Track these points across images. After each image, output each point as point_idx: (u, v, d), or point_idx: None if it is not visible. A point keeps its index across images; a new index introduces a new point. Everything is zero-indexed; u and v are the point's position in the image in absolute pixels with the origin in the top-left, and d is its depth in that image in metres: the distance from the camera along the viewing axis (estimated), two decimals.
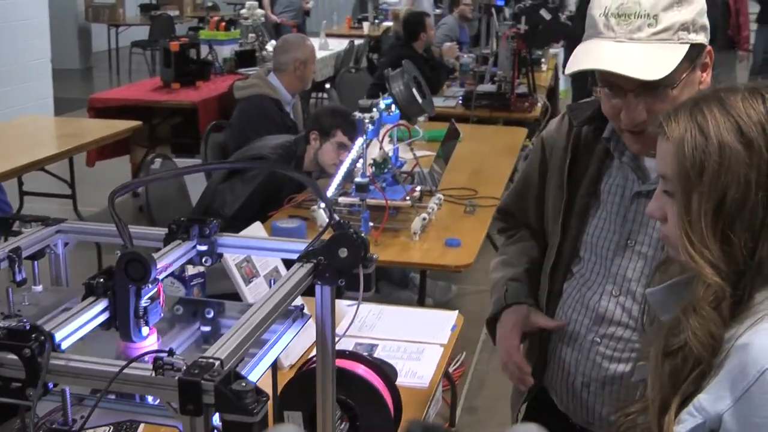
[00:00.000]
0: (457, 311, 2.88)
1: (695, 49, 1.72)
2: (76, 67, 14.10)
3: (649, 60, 1.67)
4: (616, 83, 1.74)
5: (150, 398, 1.30)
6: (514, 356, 2.04)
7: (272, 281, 1.62)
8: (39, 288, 1.55)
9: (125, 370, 1.11)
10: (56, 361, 1.14)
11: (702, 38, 1.73)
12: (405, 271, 4.92)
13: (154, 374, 1.09)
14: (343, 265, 1.43)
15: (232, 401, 1.06)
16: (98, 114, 6.46)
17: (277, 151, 4.27)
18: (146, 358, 1.17)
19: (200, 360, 1.10)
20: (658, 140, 1.40)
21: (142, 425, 2.05)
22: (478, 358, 4.70)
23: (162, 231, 1.55)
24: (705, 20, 1.74)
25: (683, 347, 1.32)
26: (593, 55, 1.73)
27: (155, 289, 1.36)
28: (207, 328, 1.60)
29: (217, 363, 1.10)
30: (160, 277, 1.38)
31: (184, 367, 1.09)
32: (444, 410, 3.96)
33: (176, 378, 1.08)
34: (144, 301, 1.32)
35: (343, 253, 1.42)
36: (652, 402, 1.35)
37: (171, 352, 1.10)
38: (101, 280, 1.31)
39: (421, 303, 3.91)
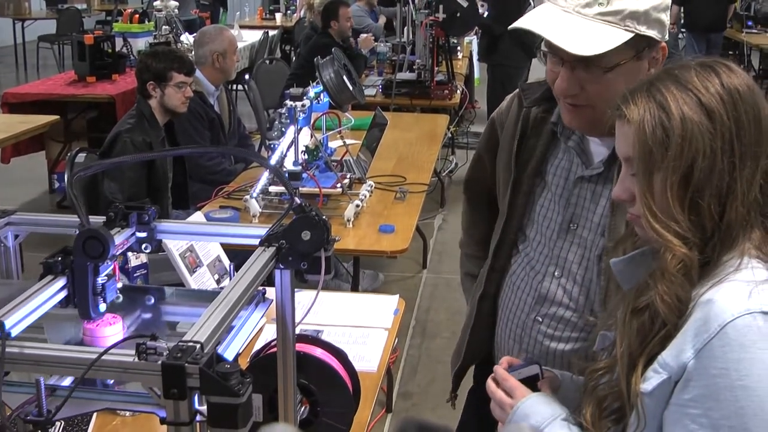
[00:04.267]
0: (397, 295, 2.90)
1: (644, 41, 1.73)
2: None
3: (585, 37, 1.69)
4: (556, 51, 1.76)
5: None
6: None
7: (229, 269, 1.62)
8: None
9: (104, 357, 1.10)
10: (11, 349, 1.13)
11: (654, 33, 1.73)
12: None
13: (137, 359, 1.08)
14: (306, 248, 1.44)
15: (218, 383, 1.06)
16: (12, 109, 6.32)
17: (129, 121, 4.26)
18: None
19: (181, 344, 1.10)
20: (617, 125, 1.42)
21: (93, 419, 2.03)
22: (409, 343, 4.74)
23: (100, 219, 1.52)
24: (662, 17, 1.74)
25: (651, 304, 1.35)
26: (537, 18, 1.75)
27: (111, 266, 1.37)
28: (148, 315, 1.60)
29: (198, 346, 1.10)
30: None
31: (167, 351, 1.08)
32: (380, 396, 3.98)
33: (159, 362, 1.07)
34: (101, 278, 1.34)
35: (306, 235, 1.43)
36: (620, 358, 1.38)
37: (154, 337, 1.09)
38: (59, 258, 1.32)
39: (355, 290, 3.92)
